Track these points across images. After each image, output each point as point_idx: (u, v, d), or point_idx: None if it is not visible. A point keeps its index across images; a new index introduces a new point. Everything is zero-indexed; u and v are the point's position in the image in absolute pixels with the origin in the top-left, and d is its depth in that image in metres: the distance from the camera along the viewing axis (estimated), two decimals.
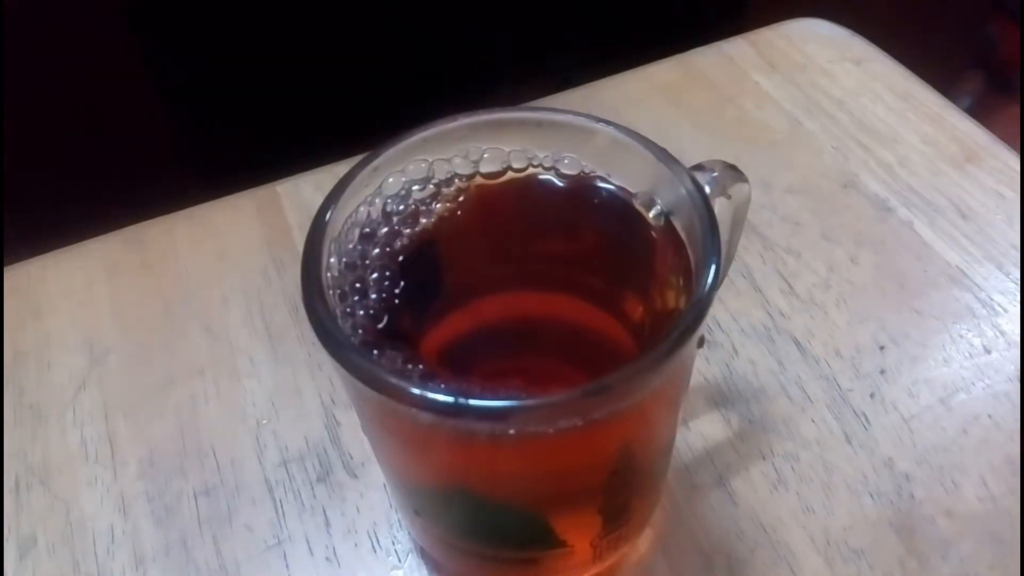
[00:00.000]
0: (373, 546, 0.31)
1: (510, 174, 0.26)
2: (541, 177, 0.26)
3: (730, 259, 0.28)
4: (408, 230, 0.25)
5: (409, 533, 0.31)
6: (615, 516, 0.26)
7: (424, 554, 0.30)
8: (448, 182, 0.26)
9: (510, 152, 0.27)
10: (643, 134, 0.25)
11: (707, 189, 0.24)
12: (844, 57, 0.49)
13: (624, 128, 0.25)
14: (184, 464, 0.33)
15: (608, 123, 0.25)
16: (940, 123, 0.45)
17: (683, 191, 0.24)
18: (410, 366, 0.21)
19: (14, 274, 0.41)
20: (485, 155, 0.27)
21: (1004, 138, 0.43)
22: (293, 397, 0.35)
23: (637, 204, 0.25)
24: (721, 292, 0.36)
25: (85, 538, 0.31)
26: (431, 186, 0.26)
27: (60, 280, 0.40)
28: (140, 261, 0.41)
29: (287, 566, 0.30)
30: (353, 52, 0.61)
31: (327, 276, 0.23)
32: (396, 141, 0.25)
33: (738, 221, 0.27)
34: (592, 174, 0.26)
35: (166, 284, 0.40)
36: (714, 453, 0.32)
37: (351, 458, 0.33)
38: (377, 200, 0.25)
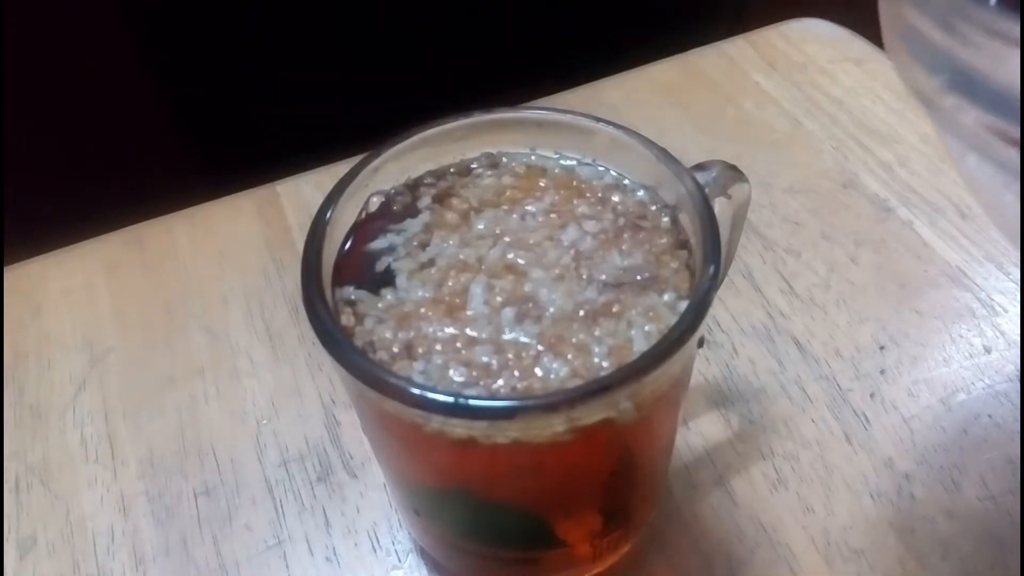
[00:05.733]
0: (373, 546, 0.31)
1: (510, 173, 0.26)
2: (539, 176, 0.26)
3: (730, 259, 0.28)
4: (407, 229, 0.25)
5: (409, 533, 0.31)
6: (615, 516, 0.26)
7: (424, 554, 0.30)
8: (447, 181, 0.26)
9: (510, 152, 0.27)
10: (643, 134, 0.25)
11: (707, 189, 0.24)
12: (844, 57, 0.49)
13: (624, 128, 0.25)
14: (184, 464, 0.33)
15: (608, 123, 0.25)
16: None
17: (683, 191, 0.24)
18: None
19: (14, 274, 0.41)
20: (485, 155, 0.27)
21: None
22: (293, 397, 0.35)
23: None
24: (721, 292, 0.36)
25: (85, 538, 0.31)
26: (430, 185, 0.26)
27: (60, 280, 0.40)
28: (140, 261, 0.41)
29: (287, 566, 0.30)
30: (353, 52, 0.61)
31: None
32: (396, 141, 0.25)
33: (738, 221, 0.27)
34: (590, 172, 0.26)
35: (166, 284, 0.40)
36: (714, 453, 0.32)
37: (351, 458, 0.33)
38: (375, 199, 0.25)
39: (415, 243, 0.24)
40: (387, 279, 0.23)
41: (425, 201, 0.26)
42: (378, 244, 0.24)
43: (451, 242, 0.24)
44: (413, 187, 0.26)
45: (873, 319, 0.36)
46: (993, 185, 0.18)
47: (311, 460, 0.33)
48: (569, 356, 0.21)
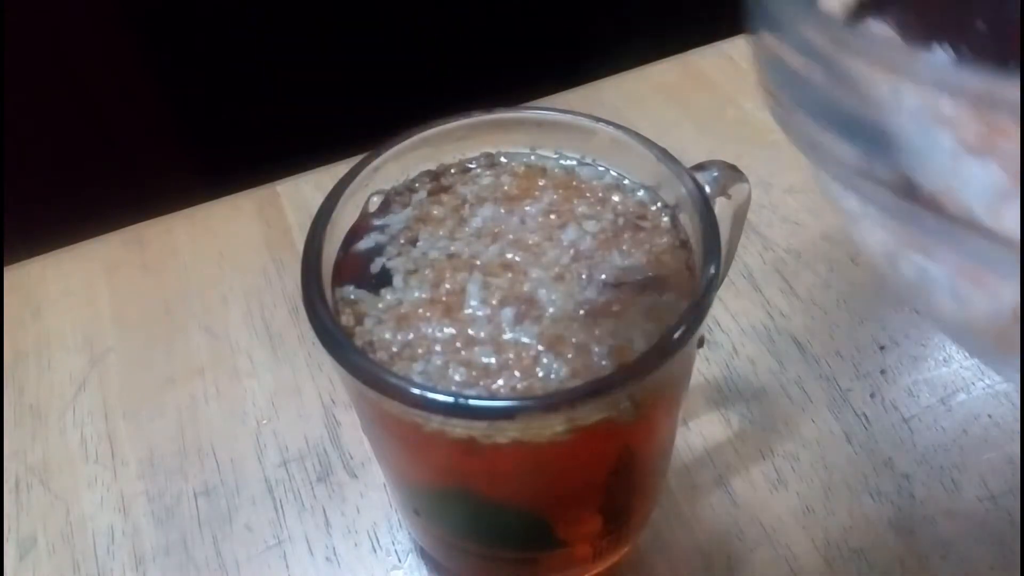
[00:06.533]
0: (373, 546, 0.31)
1: (509, 173, 0.26)
2: (539, 176, 0.26)
3: (730, 259, 0.28)
4: (390, 224, 0.25)
5: (409, 533, 0.31)
6: (615, 516, 0.26)
7: (424, 554, 0.30)
8: (447, 179, 0.26)
9: (509, 152, 0.27)
10: (643, 134, 0.25)
11: (707, 189, 0.24)
12: None
13: (624, 128, 0.25)
14: (184, 464, 0.33)
15: (608, 123, 0.25)
16: None
17: (683, 191, 0.24)
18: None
19: (14, 274, 0.41)
20: (484, 155, 0.27)
21: None
22: (293, 397, 0.35)
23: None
24: (721, 292, 0.36)
25: (85, 538, 0.31)
26: (431, 185, 0.26)
27: (60, 280, 0.40)
28: (140, 261, 0.41)
29: (287, 566, 0.30)
30: (353, 52, 0.61)
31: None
32: (396, 141, 0.25)
33: (738, 221, 0.27)
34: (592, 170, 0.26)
35: (166, 284, 0.40)
36: (714, 453, 0.32)
37: (351, 458, 0.33)
38: (376, 199, 0.25)
39: (402, 240, 0.24)
40: (385, 279, 0.23)
41: (417, 198, 0.26)
42: (366, 243, 0.24)
43: (440, 238, 0.24)
44: (412, 186, 0.26)
45: (873, 319, 0.36)
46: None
47: (311, 460, 0.33)
48: (569, 356, 0.21)
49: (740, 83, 0.48)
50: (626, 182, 0.26)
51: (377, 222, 0.25)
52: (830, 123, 0.15)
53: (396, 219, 0.25)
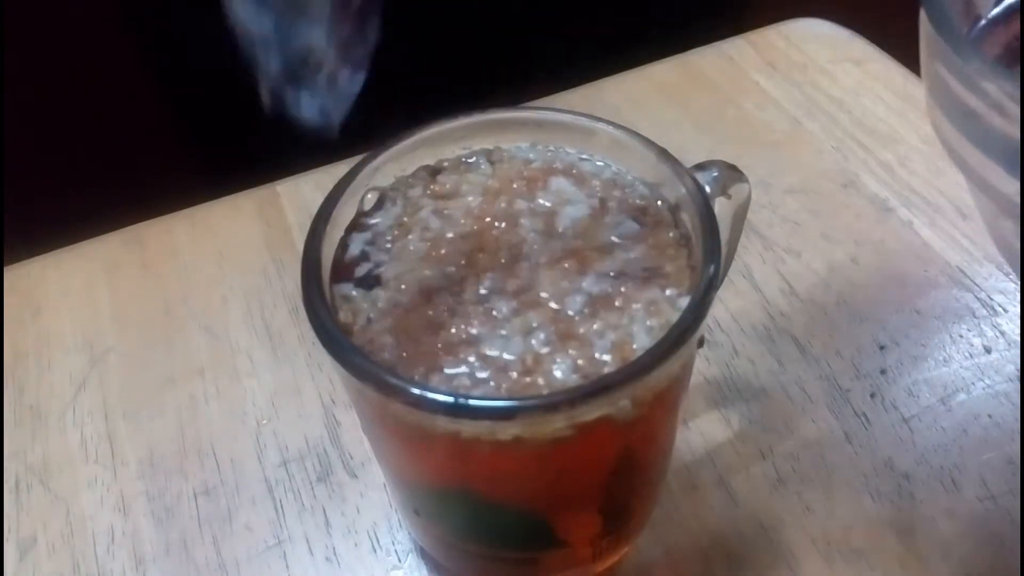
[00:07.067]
0: (373, 546, 0.31)
1: (508, 166, 0.26)
2: (538, 169, 0.26)
3: (730, 259, 0.28)
4: (404, 226, 0.25)
5: (409, 533, 0.31)
6: (615, 516, 0.26)
7: (424, 554, 0.30)
8: (443, 174, 0.26)
9: (511, 151, 0.27)
10: (643, 134, 0.25)
11: (707, 189, 0.24)
12: (844, 57, 0.49)
13: (624, 128, 0.25)
14: (184, 464, 0.33)
15: (608, 123, 0.25)
16: None
17: (683, 191, 0.24)
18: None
19: (14, 274, 0.41)
20: (482, 149, 0.27)
21: None
22: (293, 397, 0.35)
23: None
24: (721, 292, 0.36)
25: (85, 538, 0.31)
26: (428, 180, 0.26)
27: (60, 280, 0.40)
28: (140, 261, 0.41)
29: (287, 566, 0.30)
30: None
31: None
32: (396, 141, 0.25)
33: (738, 221, 0.27)
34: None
35: (166, 284, 0.40)
36: (714, 453, 0.32)
37: (351, 458, 0.33)
38: (371, 195, 0.25)
39: (400, 238, 0.24)
40: (385, 278, 0.23)
41: (413, 194, 0.26)
42: (365, 242, 0.24)
43: (437, 233, 0.24)
44: (409, 182, 0.26)
45: (873, 319, 0.36)
46: None
47: (311, 460, 0.33)
48: (571, 351, 0.21)
49: (740, 83, 0.48)
50: (628, 176, 0.26)
51: (373, 220, 0.25)
52: (993, 153, 0.16)
53: (392, 216, 0.25)
